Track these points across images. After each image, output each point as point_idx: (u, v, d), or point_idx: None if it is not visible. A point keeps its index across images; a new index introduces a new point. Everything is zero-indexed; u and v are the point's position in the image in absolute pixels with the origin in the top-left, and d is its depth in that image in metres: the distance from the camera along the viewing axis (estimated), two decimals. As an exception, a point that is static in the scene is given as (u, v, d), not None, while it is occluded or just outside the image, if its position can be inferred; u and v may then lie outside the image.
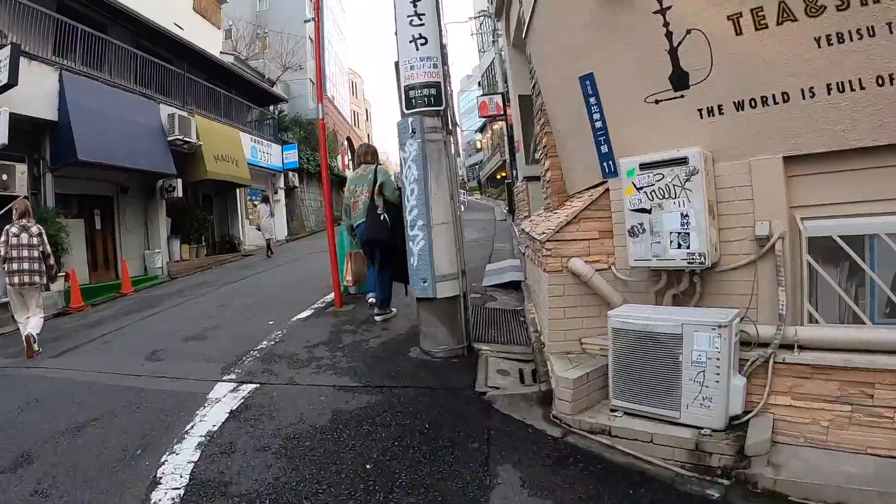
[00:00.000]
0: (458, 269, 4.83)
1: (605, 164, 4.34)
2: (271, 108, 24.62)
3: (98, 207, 13.16)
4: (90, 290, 10.90)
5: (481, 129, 46.97)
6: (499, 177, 40.42)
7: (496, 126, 38.81)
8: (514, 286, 7.70)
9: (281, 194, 22.79)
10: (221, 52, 20.97)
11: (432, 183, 4.62)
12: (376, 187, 5.83)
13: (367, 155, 6.42)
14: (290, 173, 23.46)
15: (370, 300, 6.38)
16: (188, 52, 16.24)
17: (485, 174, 47.11)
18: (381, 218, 5.77)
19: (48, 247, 6.33)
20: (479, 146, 51.69)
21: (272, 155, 21.77)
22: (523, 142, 10.21)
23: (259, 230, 17.46)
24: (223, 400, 4.01)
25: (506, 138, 23.39)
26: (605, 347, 3.74)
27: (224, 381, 4.43)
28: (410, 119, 4.63)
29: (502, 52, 26.31)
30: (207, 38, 18.66)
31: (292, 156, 22.98)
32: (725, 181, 3.46)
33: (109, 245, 13.54)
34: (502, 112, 18.54)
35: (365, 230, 5.93)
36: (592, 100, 4.32)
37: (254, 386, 4.27)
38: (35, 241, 6.12)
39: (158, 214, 14.47)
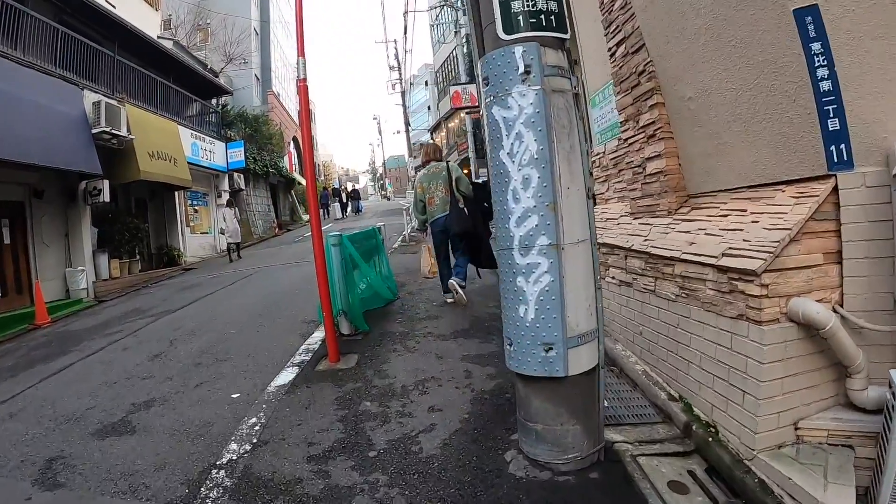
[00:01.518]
0: (598, 316, 2.71)
1: (833, 148, 2.62)
2: (214, 100, 21.73)
3: (5, 216, 10.32)
4: (-6, 323, 8.25)
5: (435, 128, 44.84)
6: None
7: (452, 124, 36.85)
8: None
9: (226, 198, 19.99)
10: (159, 37, 18.19)
11: (562, 167, 2.49)
12: (453, 183, 5.97)
13: (436, 152, 6.60)
14: (236, 174, 20.61)
15: (452, 285, 6.17)
16: (120, 32, 13.63)
17: None
18: (463, 210, 5.88)
19: None
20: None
21: (215, 153, 19.02)
22: None
23: (223, 233, 15.91)
24: None
25: (469, 133, 21.45)
26: (836, 433, 2.58)
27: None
28: (520, 49, 2.46)
29: (466, 41, 24.84)
30: (143, 19, 15.97)
31: (238, 154, 20.20)
32: None
33: (22, 263, 10.68)
34: (476, 104, 16.48)
35: (450, 223, 5.98)
36: (816, 46, 2.59)
37: None
38: None
39: (82, 223, 11.71)
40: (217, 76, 23.14)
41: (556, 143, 2.45)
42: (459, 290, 6.10)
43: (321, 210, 24.39)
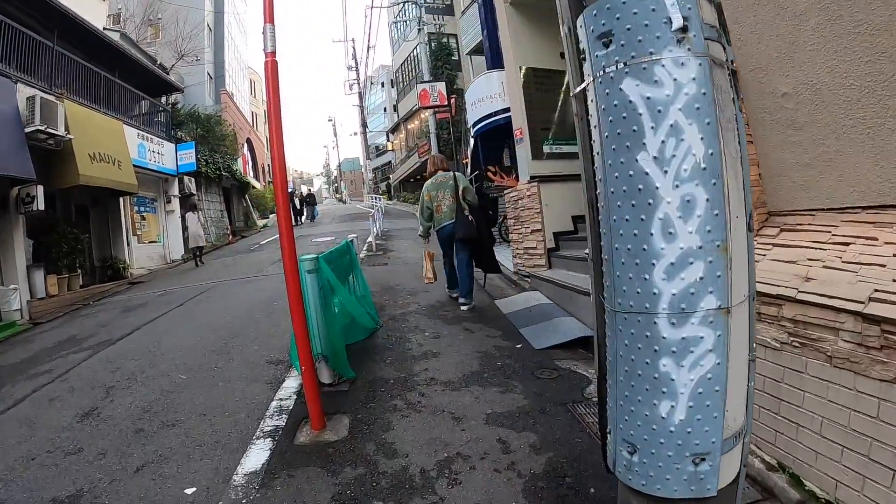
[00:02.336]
0: (750, 401, 1.80)
1: None
2: (164, 99, 20.12)
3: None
4: None
5: (394, 130, 43.69)
6: (413, 179, 37.26)
7: (412, 125, 35.82)
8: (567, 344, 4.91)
9: (175, 203, 18.44)
10: (106, 28, 16.63)
11: (730, 183, 1.57)
12: (460, 192, 6.32)
13: (444, 162, 6.90)
14: (187, 178, 19.04)
15: (461, 300, 6.58)
16: (61, 20, 12.17)
17: (397, 178, 43.50)
18: (470, 219, 6.24)
19: None
20: (389, 146, 48.09)
21: (164, 155, 17.44)
22: (529, 129, 7.39)
23: (186, 239, 15.49)
24: None
25: (432, 135, 20.51)
26: None
27: None
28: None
29: (429, 40, 23.90)
30: (88, 8, 14.59)
31: (188, 156, 18.58)
32: None
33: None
34: (446, 102, 15.53)
35: (456, 230, 6.27)
36: None
37: None
38: None
39: (13, 235, 10.26)
40: (167, 73, 21.58)
41: (724, 146, 1.55)
42: (463, 308, 6.47)
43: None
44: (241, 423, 3.76)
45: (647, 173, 1.65)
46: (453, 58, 25.46)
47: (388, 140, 46.94)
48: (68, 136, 10.96)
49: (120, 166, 13.20)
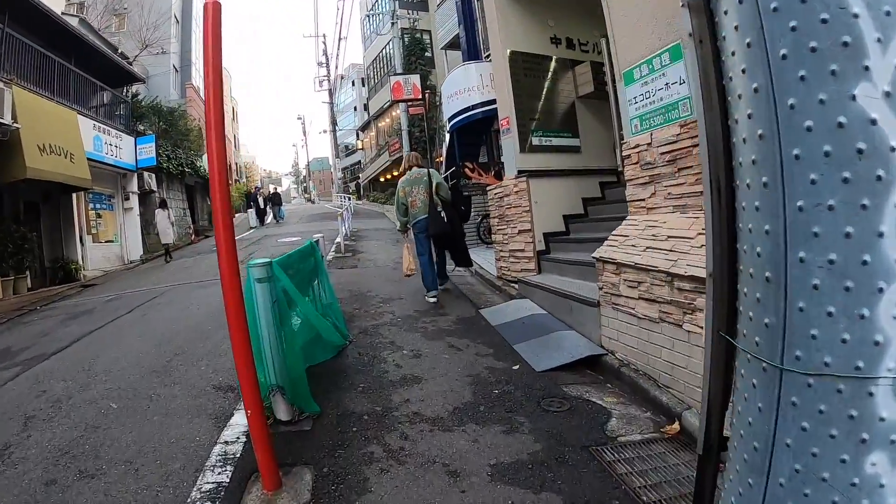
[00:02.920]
0: None
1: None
2: (125, 90, 18.84)
3: None
4: None
5: (364, 128, 42.62)
6: (384, 179, 36.25)
7: (383, 123, 34.88)
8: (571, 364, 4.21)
9: (134, 200, 17.17)
10: (64, 14, 15.42)
11: None
12: (434, 188, 6.46)
13: (419, 159, 7.07)
14: (147, 173, 17.78)
15: (432, 300, 6.57)
16: (13, 1, 11.10)
17: (367, 177, 42.28)
18: (441, 215, 6.44)
19: None
20: (359, 146, 46.83)
21: (123, 149, 16.22)
22: (517, 118, 6.66)
23: (157, 235, 15.11)
24: None
25: (404, 131, 19.64)
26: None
27: None
28: None
29: (402, 34, 22.94)
30: (45, -10, 13.30)
31: (149, 150, 17.38)
32: None
33: None
34: (420, 96, 14.66)
35: (429, 226, 6.47)
36: None
37: None
38: None
39: (-45, 235, 9.18)
40: (131, 63, 20.30)
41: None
42: (432, 299, 6.57)
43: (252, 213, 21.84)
44: (174, 477, 2.86)
45: (873, 121, 0.88)
46: (427, 54, 24.67)
47: (357, 139, 45.84)
48: (15, 125, 9.97)
49: (72, 159, 12.10)
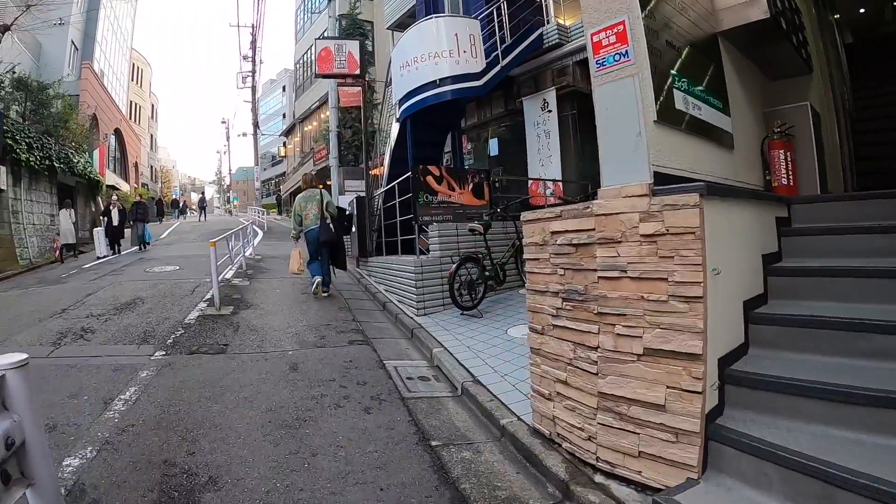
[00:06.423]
0: None
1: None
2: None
3: None
4: None
5: (289, 132, 37.19)
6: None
7: (309, 126, 29.81)
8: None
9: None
10: None
11: None
12: (324, 205, 7.50)
13: (314, 181, 8.06)
14: (-6, 168, 12.17)
15: (316, 283, 7.58)
16: None
17: (287, 189, 36.07)
18: (329, 226, 7.47)
19: None
20: (282, 153, 40.85)
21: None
22: (646, 34, 2.11)
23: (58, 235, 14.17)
24: None
25: (332, 134, 14.23)
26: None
27: None
28: None
29: (340, 18, 18.16)
30: None
31: (-7, 135, 11.85)
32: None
33: None
34: (357, 71, 9.73)
35: (319, 234, 7.44)
36: None
37: None
38: None
39: None
40: (7, 30, 15.45)
41: None
42: (323, 295, 7.60)
43: (139, 227, 15.47)
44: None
45: None
46: (368, 49, 20.05)
47: (284, 144, 40.51)
48: None
49: None
